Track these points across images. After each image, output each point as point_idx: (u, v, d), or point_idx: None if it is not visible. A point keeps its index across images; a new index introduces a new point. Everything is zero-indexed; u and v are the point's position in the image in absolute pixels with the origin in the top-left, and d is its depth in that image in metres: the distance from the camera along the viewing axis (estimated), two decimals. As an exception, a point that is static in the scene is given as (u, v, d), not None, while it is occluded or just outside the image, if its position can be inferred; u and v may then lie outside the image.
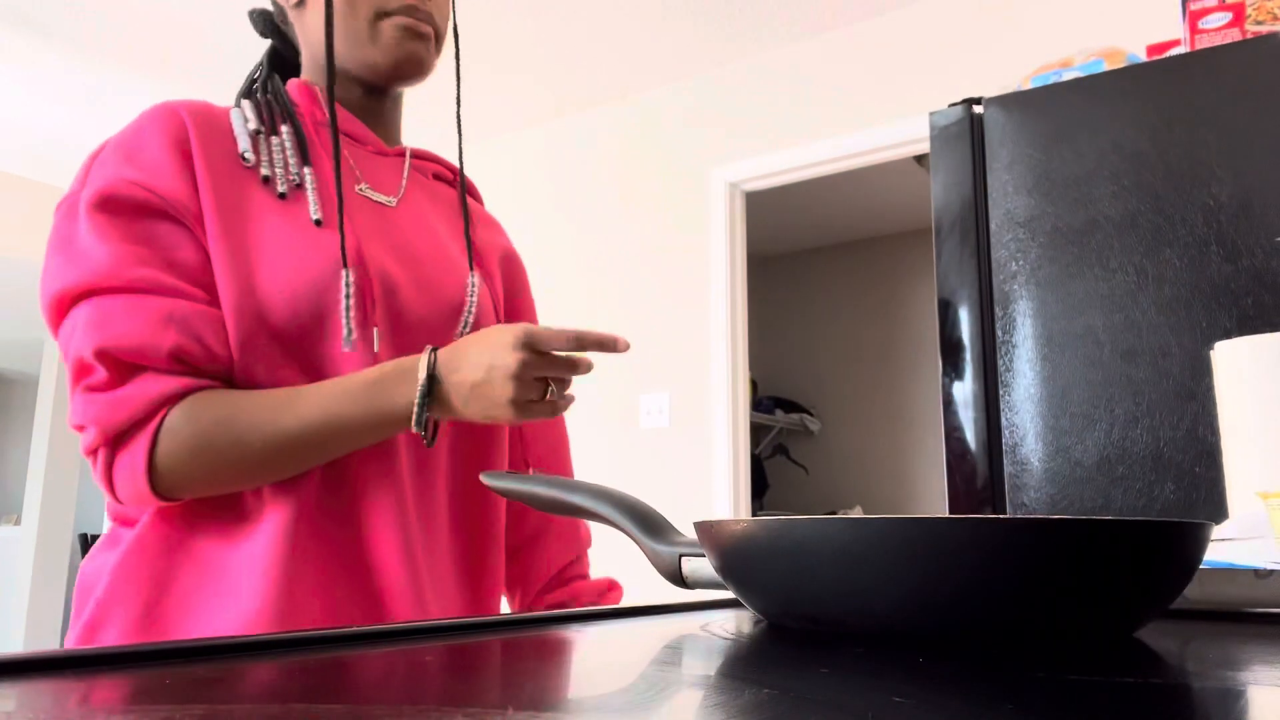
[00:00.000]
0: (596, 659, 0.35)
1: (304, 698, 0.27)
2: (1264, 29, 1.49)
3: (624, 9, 3.09)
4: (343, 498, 0.81)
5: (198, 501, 0.79)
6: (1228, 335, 1.35)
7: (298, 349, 0.79)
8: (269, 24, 0.98)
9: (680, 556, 0.52)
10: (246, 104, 0.87)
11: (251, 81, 0.92)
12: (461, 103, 0.99)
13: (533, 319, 1.05)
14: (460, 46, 3.36)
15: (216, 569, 0.77)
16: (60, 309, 0.76)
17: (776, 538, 0.39)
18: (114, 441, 0.74)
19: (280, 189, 0.82)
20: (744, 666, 0.34)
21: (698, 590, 0.51)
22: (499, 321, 0.98)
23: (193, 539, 0.78)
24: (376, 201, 0.90)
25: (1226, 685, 0.28)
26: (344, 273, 0.79)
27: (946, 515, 0.44)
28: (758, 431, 4.98)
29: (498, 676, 0.31)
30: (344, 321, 0.79)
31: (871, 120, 3.07)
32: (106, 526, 0.86)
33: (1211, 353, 1.00)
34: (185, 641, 0.35)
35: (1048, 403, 1.46)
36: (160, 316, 0.74)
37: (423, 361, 0.76)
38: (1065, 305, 1.47)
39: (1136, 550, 0.36)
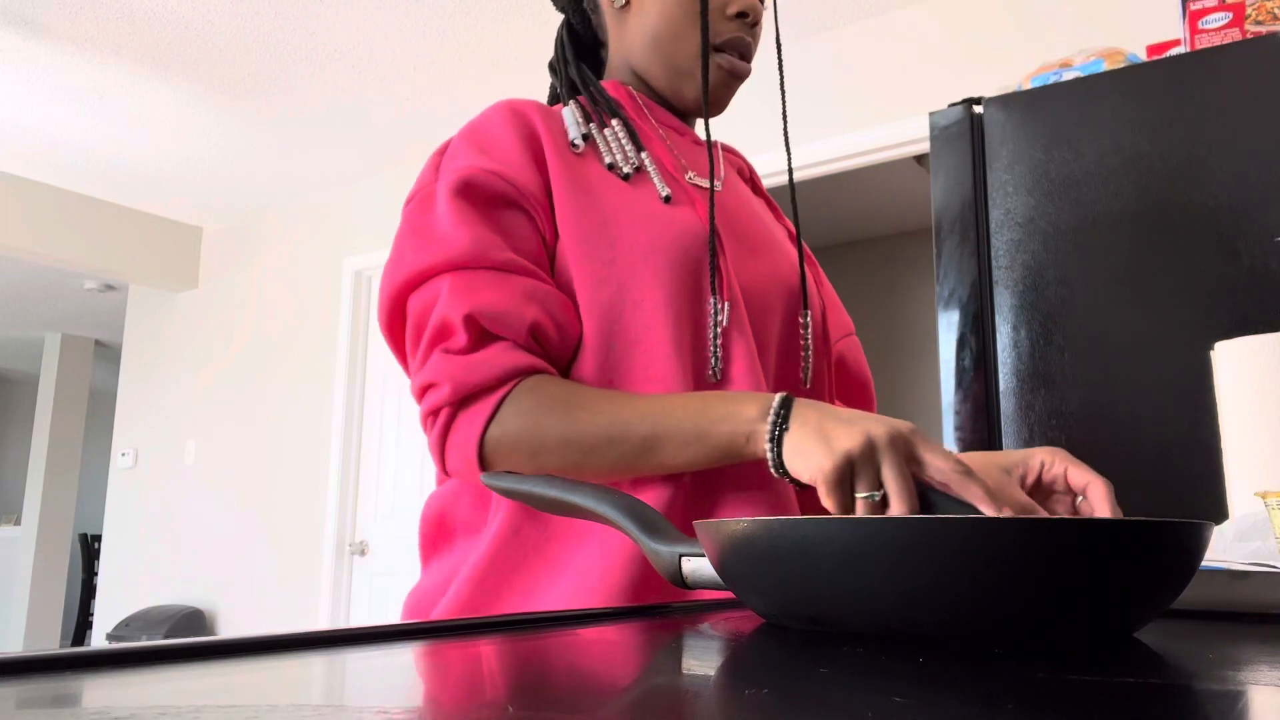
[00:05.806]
0: (596, 659, 0.35)
1: (299, 698, 0.27)
2: (1264, 29, 1.49)
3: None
4: (708, 500, 0.79)
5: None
6: (1228, 335, 1.34)
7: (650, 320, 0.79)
8: (574, 2, 0.98)
9: (680, 556, 0.52)
10: (573, 104, 0.90)
11: (566, 75, 0.93)
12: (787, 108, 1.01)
13: (837, 307, 1.02)
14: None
15: (571, 566, 0.76)
16: (414, 284, 0.77)
17: (776, 538, 0.39)
18: (461, 403, 0.75)
19: (625, 170, 0.85)
20: (744, 666, 0.34)
21: (698, 590, 0.51)
22: (825, 312, 0.95)
23: (548, 541, 0.77)
24: (703, 188, 0.91)
25: (1226, 685, 0.28)
26: (711, 301, 0.80)
27: (947, 515, 0.44)
28: (758, 431, 4.97)
29: (498, 676, 0.31)
30: (712, 350, 0.79)
31: (871, 120, 3.07)
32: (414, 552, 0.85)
33: (1211, 353, 1.00)
34: (186, 642, 0.35)
35: (1047, 403, 1.45)
36: (524, 292, 0.76)
37: (777, 396, 0.70)
38: (1065, 305, 1.47)
39: (1136, 550, 0.36)
